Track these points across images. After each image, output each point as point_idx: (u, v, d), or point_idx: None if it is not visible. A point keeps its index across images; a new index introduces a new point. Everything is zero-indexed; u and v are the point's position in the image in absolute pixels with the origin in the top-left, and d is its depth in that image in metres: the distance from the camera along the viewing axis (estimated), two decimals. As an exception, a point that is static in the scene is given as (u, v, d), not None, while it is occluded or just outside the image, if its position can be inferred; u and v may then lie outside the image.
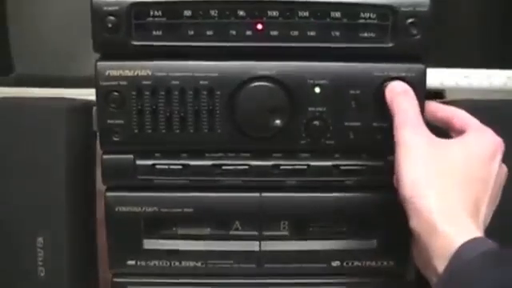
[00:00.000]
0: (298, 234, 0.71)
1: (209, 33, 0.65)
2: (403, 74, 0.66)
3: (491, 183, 0.61)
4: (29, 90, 0.93)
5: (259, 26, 0.65)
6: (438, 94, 0.88)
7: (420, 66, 0.66)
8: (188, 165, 0.68)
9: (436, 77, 0.88)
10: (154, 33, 0.65)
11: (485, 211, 0.60)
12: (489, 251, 0.54)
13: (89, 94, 0.74)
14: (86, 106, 0.73)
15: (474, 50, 0.93)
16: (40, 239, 0.71)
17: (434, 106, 0.68)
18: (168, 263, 0.70)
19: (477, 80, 0.90)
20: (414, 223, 0.58)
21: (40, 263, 0.71)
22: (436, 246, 0.56)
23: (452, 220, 0.57)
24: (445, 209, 0.57)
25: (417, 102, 0.64)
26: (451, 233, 0.56)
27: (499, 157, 0.62)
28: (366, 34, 0.65)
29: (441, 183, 0.59)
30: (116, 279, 0.71)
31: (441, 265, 0.55)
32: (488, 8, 0.94)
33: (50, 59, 0.98)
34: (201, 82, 0.65)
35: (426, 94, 0.68)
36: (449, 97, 0.89)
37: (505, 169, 0.63)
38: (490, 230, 0.60)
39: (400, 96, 0.64)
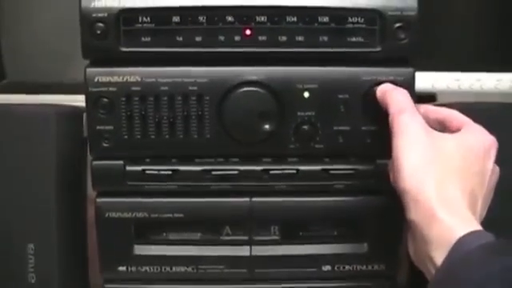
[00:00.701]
0: (289, 238, 0.71)
1: (197, 39, 0.65)
2: (392, 78, 0.66)
3: (487, 178, 0.61)
4: (20, 96, 0.94)
5: (248, 32, 0.65)
6: (429, 98, 0.89)
7: (408, 70, 0.67)
8: (178, 170, 0.68)
9: (427, 80, 0.88)
10: (143, 39, 0.65)
11: (481, 205, 0.60)
12: (488, 243, 0.54)
13: (80, 101, 0.74)
14: (76, 112, 0.73)
15: (465, 53, 0.93)
16: (31, 246, 0.71)
17: (427, 108, 0.68)
18: (159, 269, 0.70)
19: (468, 83, 0.90)
20: (413, 213, 0.57)
21: (31, 270, 0.71)
22: (435, 235, 0.55)
23: (452, 210, 0.56)
24: (445, 198, 0.57)
25: (409, 96, 0.64)
26: (451, 223, 0.55)
27: (494, 154, 0.62)
28: (354, 39, 0.66)
29: (440, 172, 0.58)
30: (107, 285, 0.71)
31: (439, 256, 0.55)
32: (480, 12, 0.94)
33: (41, 66, 0.98)
34: (190, 88, 0.65)
35: (417, 98, 0.68)
36: (440, 100, 0.90)
37: (497, 168, 0.63)
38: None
39: (393, 90, 0.64)
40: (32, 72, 0.98)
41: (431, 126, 0.65)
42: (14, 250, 0.71)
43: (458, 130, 0.64)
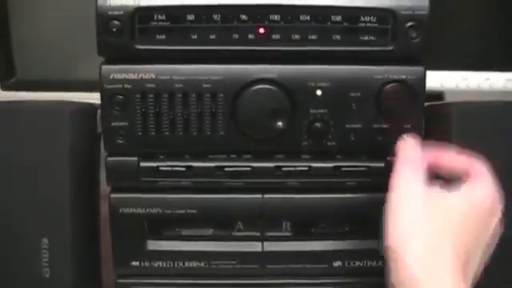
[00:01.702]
0: (300, 234, 0.71)
1: (212, 37, 0.65)
2: (403, 77, 0.67)
3: (487, 235, 0.60)
4: (30, 93, 0.94)
5: (261, 30, 0.65)
6: (437, 96, 0.89)
7: (419, 69, 0.67)
8: (191, 166, 0.68)
9: (435, 79, 0.89)
10: (158, 37, 0.65)
11: (476, 262, 0.59)
12: None
13: (89, 98, 0.75)
14: (89, 108, 0.74)
15: (473, 52, 0.93)
16: (45, 240, 0.71)
17: (440, 157, 0.64)
18: (171, 264, 0.71)
19: (476, 82, 0.91)
20: (393, 277, 0.56)
21: (45, 264, 0.72)
22: None
23: (434, 279, 0.54)
24: (429, 264, 0.55)
25: (420, 150, 0.62)
26: None
27: (499, 212, 0.61)
28: (366, 38, 0.66)
29: (432, 234, 0.56)
30: (120, 280, 0.72)
31: None
32: (488, 10, 0.95)
33: (51, 63, 0.98)
34: (204, 85, 0.66)
35: (425, 97, 0.68)
36: (448, 99, 0.90)
37: (501, 224, 0.62)
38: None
39: (405, 142, 0.64)
40: (41, 70, 0.97)
41: (444, 174, 0.63)
42: (28, 245, 0.71)
43: (465, 174, 0.62)
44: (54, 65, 0.97)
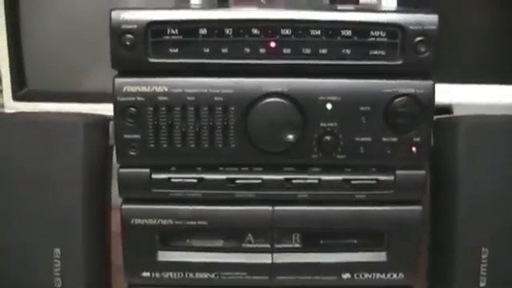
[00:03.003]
0: (310, 246, 0.72)
1: (224, 50, 0.66)
2: (412, 91, 0.67)
3: None
4: (41, 104, 0.96)
5: (272, 44, 0.66)
6: (445, 110, 0.89)
7: (429, 83, 0.68)
8: (202, 178, 0.69)
9: (443, 92, 0.89)
10: (171, 50, 0.66)
11: None
12: None
13: (99, 109, 0.76)
14: (102, 120, 0.75)
15: (481, 65, 0.94)
16: (57, 250, 0.72)
17: None
18: (182, 275, 0.71)
19: (484, 95, 0.91)
20: None
21: (56, 274, 0.72)
22: None
23: None
24: None
25: None
26: None
27: None
28: (375, 52, 0.67)
29: None
30: (131, 290, 0.72)
31: None
32: (498, 24, 0.95)
33: (62, 74, 0.99)
34: (215, 99, 0.67)
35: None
36: (456, 112, 0.90)
37: None
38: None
39: None
40: (52, 81, 0.98)
41: None
42: (40, 255, 0.72)
43: None
44: (65, 76, 0.98)
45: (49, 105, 0.96)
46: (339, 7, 0.77)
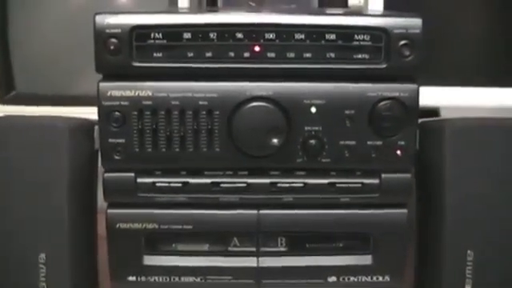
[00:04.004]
0: (295, 250, 0.72)
1: (208, 54, 0.66)
2: (396, 94, 0.67)
3: None
4: (29, 108, 0.95)
5: (257, 48, 0.66)
6: (432, 113, 0.89)
7: (413, 86, 0.68)
8: (187, 183, 0.69)
9: (430, 95, 0.89)
10: (155, 54, 0.66)
11: None
12: None
13: (87, 113, 0.75)
14: (87, 124, 0.74)
15: (469, 68, 0.94)
16: (42, 255, 0.72)
17: None
18: (168, 279, 0.71)
19: (472, 98, 0.91)
20: None
21: (42, 279, 0.72)
22: None
23: None
24: None
25: None
26: None
27: None
28: (360, 56, 0.67)
29: None
30: (117, 295, 0.72)
31: None
32: (485, 25, 0.95)
33: (49, 78, 0.98)
34: (200, 103, 0.67)
35: (420, 113, 0.69)
36: (443, 115, 0.90)
37: None
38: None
39: None
40: (40, 84, 0.98)
41: None
42: (25, 259, 0.72)
43: None
44: (54, 79, 0.98)
45: (38, 108, 0.95)
46: (327, 11, 0.77)
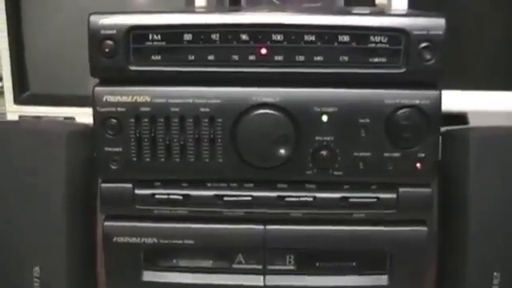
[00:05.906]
0: (305, 268, 0.69)
1: (210, 58, 0.64)
2: (416, 102, 0.64)
3: None
4: (43, 108, 0.95)
5: (263, 51, 0.63)
6: (460, 119, 0.85)
7: (435, 93, 0.64)
8: (188, 195, 0.67)
9: (458, 100, 0.85)
10: (153, 57, 0.64)
11: None
12: None
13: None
14: (87, 130, 0.72)
15: (498, 71, 0.89)
16: (37, 268, 0.70)
17: None
18: (168, 296, 0.69)
19: (502, 103, 0.86)
20: None
21: (37, 292, 0.70)
22: None
23: None
24: None
25: None
26: None
27: None
28: (376, 59, 0.63)
29: None
30: (115, 311, 0.70)
31: None
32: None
33: (64, 79, 0.97)
34: (201, 110, 0.64)
35: (446, 119, 0.66)
36: (471, 121, 0.86)
37: None
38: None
39: None
40: (54, 84, 0.98)
41: None
42: (21, 270, 0.70)
43: None
44: (68, 80, 0.97)
45: (51, 109, 0.95)
46: (348, 10, 0.74)
